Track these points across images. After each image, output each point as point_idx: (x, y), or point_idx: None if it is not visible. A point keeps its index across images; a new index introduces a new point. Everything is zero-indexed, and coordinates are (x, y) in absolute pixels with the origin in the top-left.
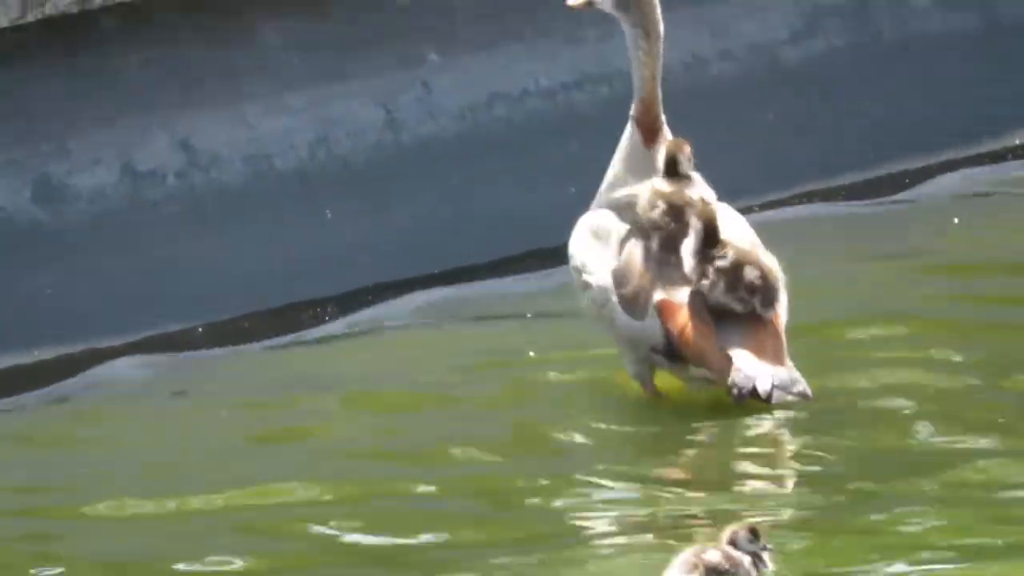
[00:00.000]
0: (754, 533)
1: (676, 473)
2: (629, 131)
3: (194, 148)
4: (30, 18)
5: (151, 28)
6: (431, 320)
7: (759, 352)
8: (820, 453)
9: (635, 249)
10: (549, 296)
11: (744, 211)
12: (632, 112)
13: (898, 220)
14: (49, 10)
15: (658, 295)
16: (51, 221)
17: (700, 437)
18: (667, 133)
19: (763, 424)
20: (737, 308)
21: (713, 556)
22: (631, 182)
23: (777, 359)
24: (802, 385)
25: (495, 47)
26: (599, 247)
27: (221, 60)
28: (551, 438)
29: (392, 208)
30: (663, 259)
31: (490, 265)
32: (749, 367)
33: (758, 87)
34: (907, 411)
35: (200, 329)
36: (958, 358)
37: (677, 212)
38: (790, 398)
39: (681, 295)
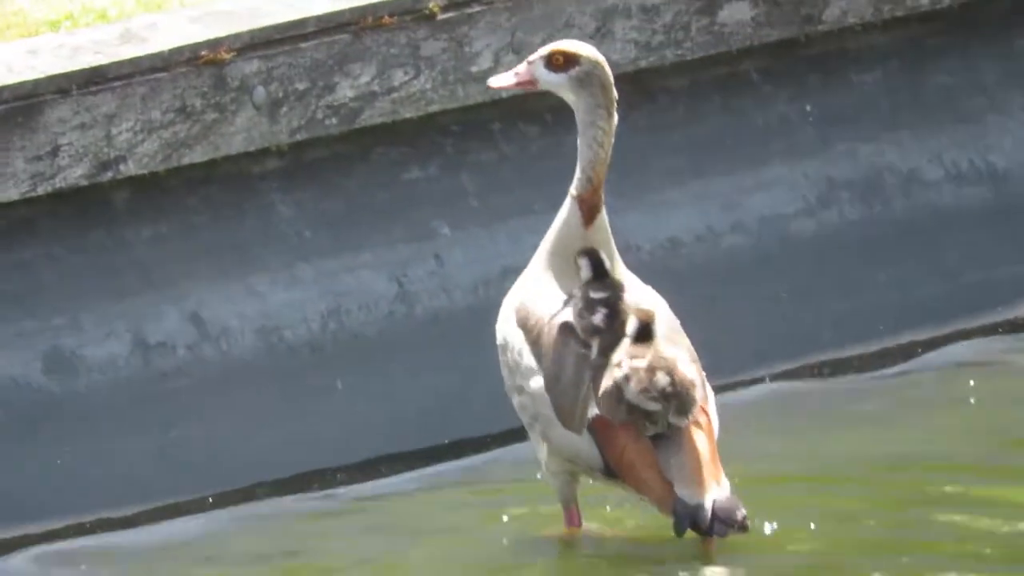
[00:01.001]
0: None
1: None
2: (568, 210)
3: (204, 320)
4: (40, 192)
5: (161, 201)
6: (439, 490)
7: (695, 475)
8: None
9: (569, 354)
10: None
11: (754, 381)
12: (574, 191)
13: (911, 388)
14: (59, 184)
15: (593, 411)
16: (62, 393)
17: None
18: (604, 215)
19: None
20: (651, 408)
21: None
22: (560, 264)
23: (715, 478)
24: (742, 512)
25: (506, 221)
26: (531, 340)
27: (232, 232)
28: None
29: (403, 380)
30: (600, 366)
31: (499, 436)
32: (690, 497)
33: (770, 259)
34: None
35: (210, 499)
36: None
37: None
38: (730, 532)
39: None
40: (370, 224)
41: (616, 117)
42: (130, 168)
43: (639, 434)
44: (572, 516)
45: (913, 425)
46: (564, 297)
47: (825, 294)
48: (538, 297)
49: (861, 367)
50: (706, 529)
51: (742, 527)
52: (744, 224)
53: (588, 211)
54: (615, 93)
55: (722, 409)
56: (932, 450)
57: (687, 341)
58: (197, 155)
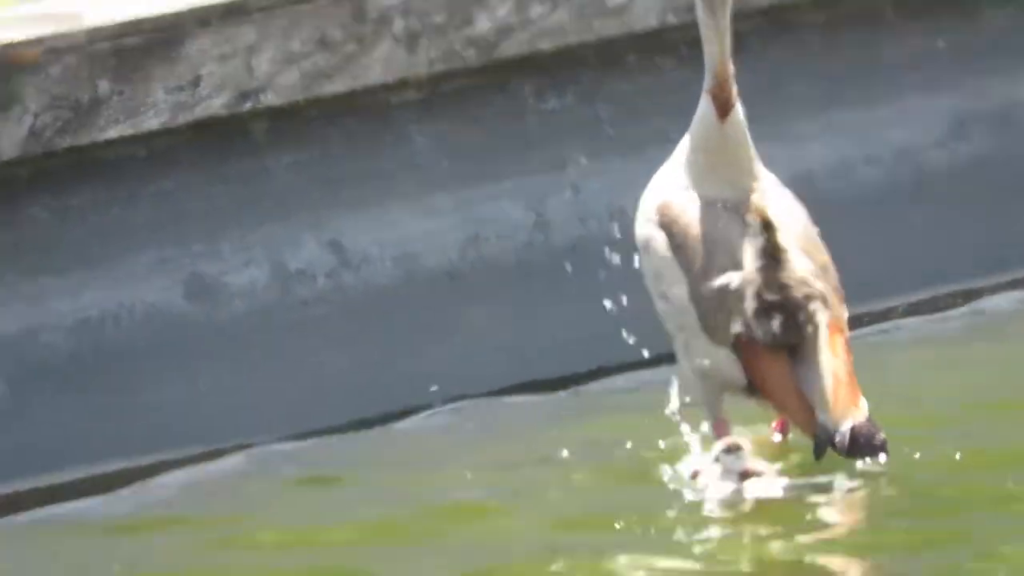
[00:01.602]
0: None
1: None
2: (703, 105)
3: (343, 248)
4: (180, 122)
5: (299, 132)
6: (575, 414)
7: (834, 399)
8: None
9: (716, 266)
10: None
11: (888, 314)
12: (705, 87)
13: None
14: (199, 114)
15: (737, 327)
16: (202, 318)
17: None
18: (740, 110)
19: None
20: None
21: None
22: (701, 158)
23: (853, 402)
24: (881, 436)
25: (641, 150)
26: (675, 245)
27: (370, 162)
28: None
29: (539, 309)
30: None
31: (644, 361)
32: (830, 422)
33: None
34: None
35: (345, 423)
36: None
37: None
38: (870, 456)
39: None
40: (507, 154)
41: (722, 15)
42: (270, 98)
43: (782, 356)
44: (720, 429)
45: None
46: (707, 199)
47: (957, 226)
48: (681, 198)
49: (994, 296)
50: (846, 453)
51: (882, 450)
52: (878, 156)
53: (721, 105)
54: None
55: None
56: None
57: (825, 255)
58: (336, 86)
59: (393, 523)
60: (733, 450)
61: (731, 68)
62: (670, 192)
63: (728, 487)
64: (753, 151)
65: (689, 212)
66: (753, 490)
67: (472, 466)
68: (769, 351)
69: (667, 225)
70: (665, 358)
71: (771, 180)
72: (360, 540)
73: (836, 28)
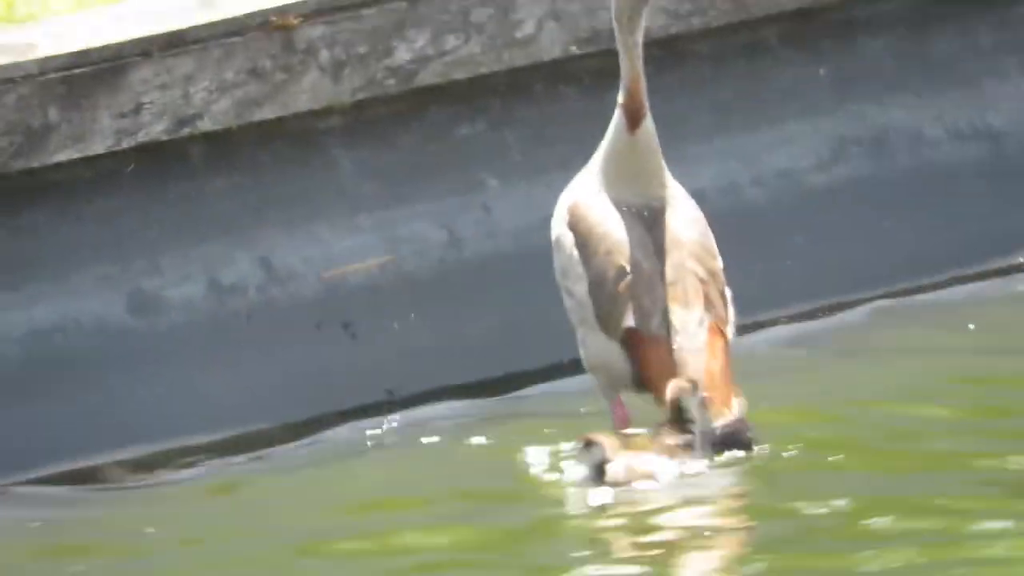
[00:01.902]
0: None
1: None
2: (616, 117)
3: (272, 265)
4: (124, 146)
5: (234, 155)
6: (474, 423)
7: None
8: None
9: (611, 265)
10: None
11: (772, 322)
12: (620, 99)
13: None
14: (141, 138)
15: (629, 321)
16: (144, 331)
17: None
18: (650, 122)
19: None
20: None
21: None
22: (612, 165)
23: (724, 401)
24: (748, 433)
25: (548, 174)
26: (579, 244)
27: (298, 184)
28: None
29: (453, 319)
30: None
31: (542, 371)
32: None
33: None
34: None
35: (275, 429)
36: None
37: None
38: (736, 451)
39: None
40: (424, 177)
41: (634, 36)
42: (206, 124)
43: (664, 349)
44: (617, 411)
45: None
46: (616, 202)
47: (837, 241)
48: (589, 201)
49: (868, 308)
50: (717, 448)
51: (750, 446)
52: (762, 178)
53: (631, 117)
54: (630, 18)
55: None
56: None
57: (716, 261)
58: (267, 112)
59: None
60: (589, 445)
61: (642, 82)
62: (581, 195)
63: (583, 477)
64: (662, 161)
65: (594, 213)
66: (610, 479)
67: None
68: (652, 345)
69: (574, 224)
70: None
71: (678, 190)
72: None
73: (724, 58)
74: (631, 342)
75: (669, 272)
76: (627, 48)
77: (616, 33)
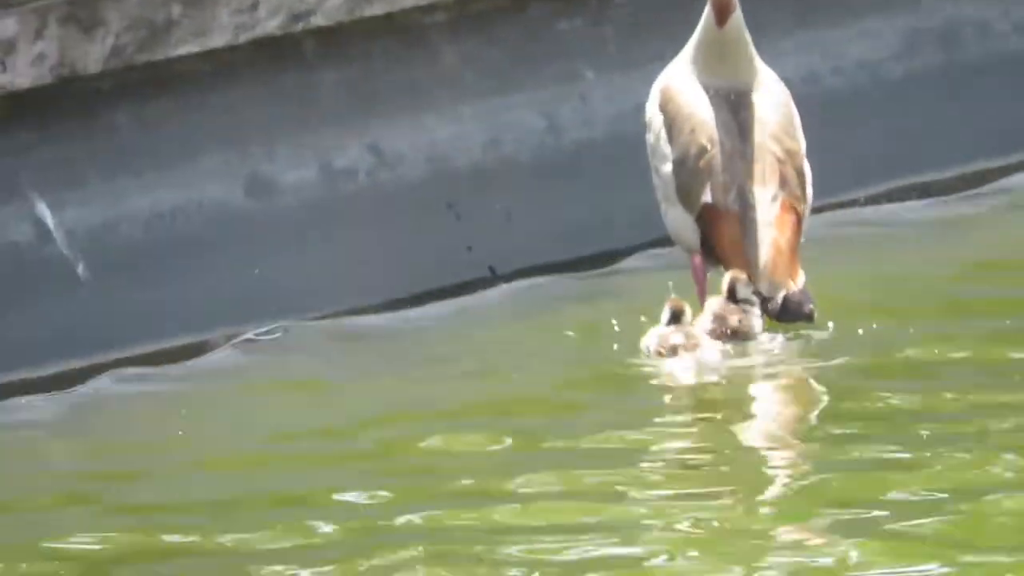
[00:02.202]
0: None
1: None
2: (707, 11)
3: (382, 151)
4: (242, 40)
5: (345, 49)
6: (575, 294)
7: (773, 271)
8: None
9: (694, 144)
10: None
11: (847, 204)
12: None
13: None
14: (258, 33)
15: (706, 197)
16: (260, 212)
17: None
18: (739, 17)
19: None
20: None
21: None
22: (703, 54)
23: (790, 274)
24: (810, 306)
25: (641, 67)
26: (667, 124)
27: (405, 76)
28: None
29: (553, 200)
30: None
31: (632, 249)
32: (766, 289)
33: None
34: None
35: (385, 303)
36: None
37: None
38: (798, 322)
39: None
40: (524, 69)
41: None
42: (319, 19)
43: (734, 225)
44: (696, 267)
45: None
46: (705, 87)
47: (913, 127)
48: (679, 85)
49: (943, 190)
50: (776, 318)
51: (808, 318)
52: (842, 68)
53: (719, 12)
54: None
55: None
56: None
57: (795, 143)
58: (376, 8)
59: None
60: (677, 312)
61: None
62: (674, 79)
63: (671, 344)
64: (751, 50)
65: (683, 96)
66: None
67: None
68: (725, 220)
69: (664, 105)
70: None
71: (768, 75)
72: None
73: None
74: (707, 217)
75: (749, 151)
76: None
77: None
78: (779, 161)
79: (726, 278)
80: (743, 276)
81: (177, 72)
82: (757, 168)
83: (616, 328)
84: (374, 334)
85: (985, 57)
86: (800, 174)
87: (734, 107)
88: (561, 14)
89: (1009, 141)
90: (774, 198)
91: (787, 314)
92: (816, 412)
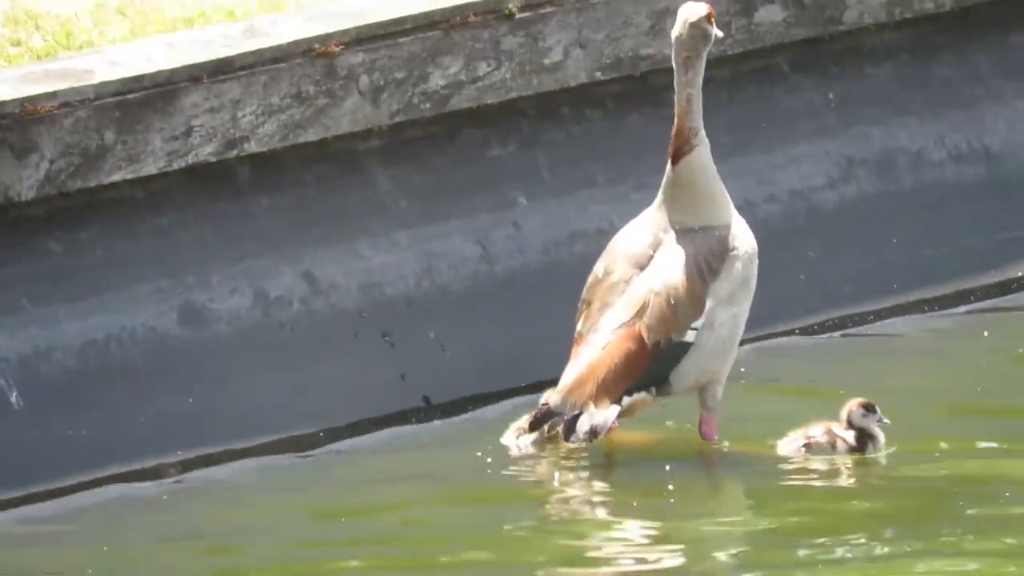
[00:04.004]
0: (868, 408)
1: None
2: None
3: (315, 278)
4: (175, 167)
5: (279, 176)
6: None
7: (578, 381)
8: None
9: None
10: None
11: (784, 334)
12: None
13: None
14: (191, 160)
15: (578, 320)
16: (193, 341)
17: None
18: (696, 160)
19: None
20: None
21: (815, 431)
22: (664, 195)
23: (593, 393)
24: (585, 431)
25: (573, 192)
26: None
27: (339, 202)
28: None
29: (486, 329)
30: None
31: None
32: (552, 401)
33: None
34: None
35: (321, 433)
36: None
37: None
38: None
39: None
40: (457, 195)
41: (687, 75)
42: (252, 147)
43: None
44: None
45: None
46: (650, 221)
47: (845, 256)
48: (630, 222)
49: (877, 319)
50: (564, 436)
51: (587, 438)
52: (776, 196)
53: (672, 153)
54: (687, 58)
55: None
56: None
57: (689, 280)
58: (310, 135)
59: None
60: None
61: (685, 123)
62: (633, 221)
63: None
64: (710, 194)
65: (622, 230)
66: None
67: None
68: (576, 343)
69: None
70: None
71: (732, 221)
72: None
73: (739, 83)
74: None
75: (631, 283)
76: (679, 86)
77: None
78: (653, 292)
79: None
80: (856, 405)
81: (111, 198)
82: (625, 296)
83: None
84: (305, 463)
85: (919, 185)
86: (676, 307)
87: (658, 243)
88: (493, 140)
89: (943, 271)
90: (621, 325)
91: (569, 432)
92: None
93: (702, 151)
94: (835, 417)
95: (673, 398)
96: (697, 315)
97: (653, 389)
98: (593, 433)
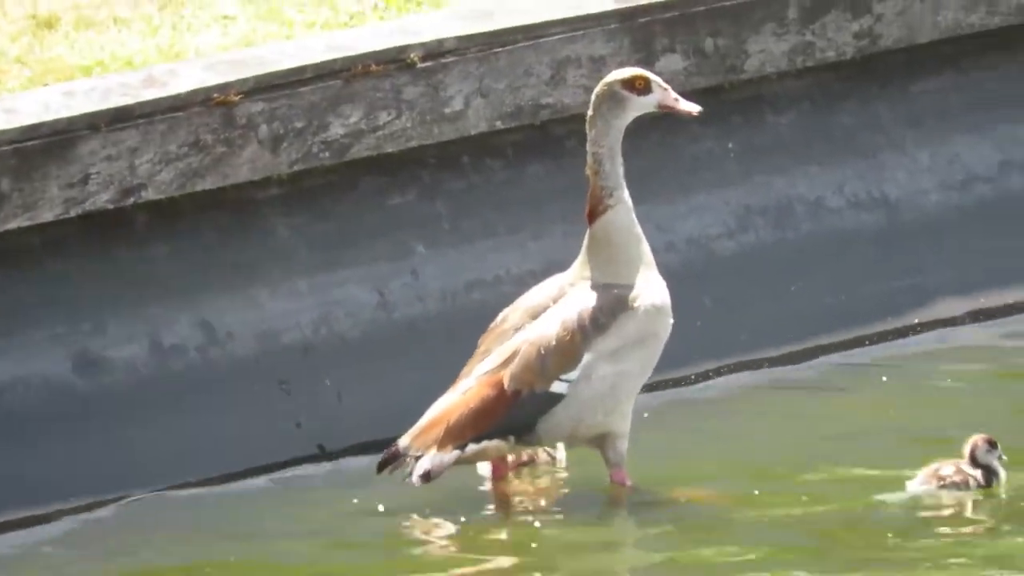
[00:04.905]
0: (991, 444)
1: None
2: None
3: (212, 326)
4: (72, 214)
5: (177, 223)
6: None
7: (427, 426)
8: None
9: None
10: None
11: (681, 381)
12: None
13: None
14: (88, 207)
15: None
16: (88, 389)
17: None
18: (611, 218)
19: None
20: None
21: (947, 470)
22: (581, 252)
23: (426, 439)
24: (416, 475)
25: (473, 241)
26: None
27: (237, 250)
28: None
29: (382, 376)
30: None
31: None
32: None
33: (696, 275)
34: None
35: (216, 480)
36: None
37: None
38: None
39: None
40: (357, 243)
41: (591, 134)
42: (150, 194)
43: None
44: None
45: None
46: (565, 277)
47: (742, 303)
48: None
49: (772, 366)
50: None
51: (419, 481)
52: (675, 244)
53: (588, 212)
54: (595, 128)
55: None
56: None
57: (565, 330)
58: (208, 183)
59: None
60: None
61: (597, 183)
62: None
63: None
64: (626, 256)
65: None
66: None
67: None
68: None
69: None
70: None
71: (649, 282)
72: None
73: (640, 132)
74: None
75: (518, 333)
76: (588, 145)
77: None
78: (528, 342)
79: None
80: (980, 441)
81: (7, 245)
82: (501, 344)
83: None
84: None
85: (817, 232)
86: (545, 357)
87: (560, 296)
88: (394, 189)
89: (842, 318)
90: (485, 372)
91: (407, 473)
92: None
93: (619, 211)
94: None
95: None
96: (569, 367)
97: (511, 437)
98: (426, 476)
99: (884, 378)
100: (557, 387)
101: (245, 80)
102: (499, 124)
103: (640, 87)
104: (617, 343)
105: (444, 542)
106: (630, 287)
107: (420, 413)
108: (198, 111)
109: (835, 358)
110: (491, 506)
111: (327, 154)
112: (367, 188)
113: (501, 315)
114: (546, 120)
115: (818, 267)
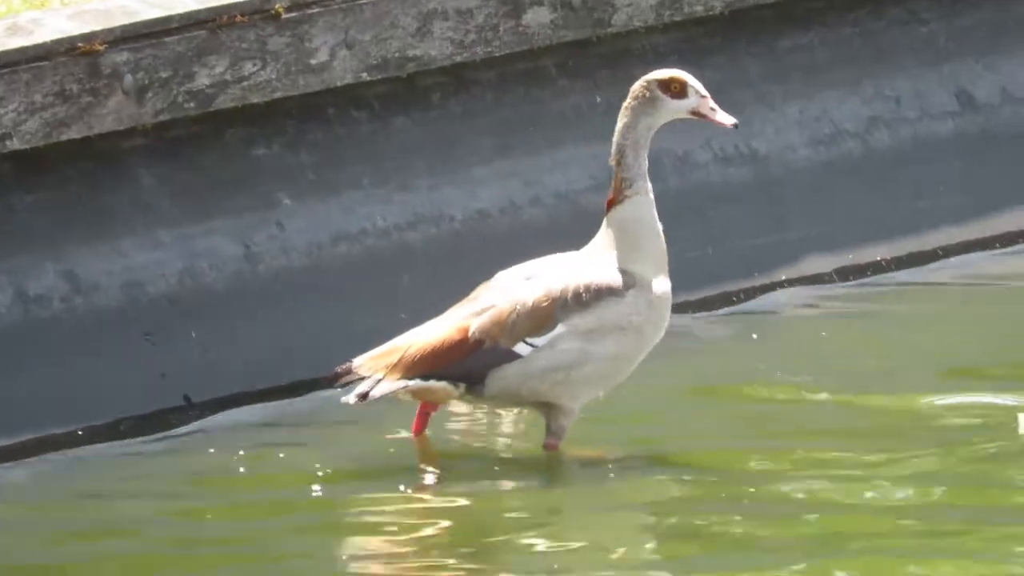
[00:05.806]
0: None
1: None
2: None
3: (77, 276)
4: None
5: (42, 173)
6: (276, 427)
7: (382, 351)
8: None
9: None
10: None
11: None
12: None
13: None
14: None
15: None
16: None
17: None
18: (625, 210)
19: None
20: None
21: None
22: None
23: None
24: (355, 396)
25: (339, 193)
26: None
27: (103, 200)
28: None
29: (247, 329)
30: None
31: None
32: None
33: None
34: None
35: (80, 432)
36: None
37: None
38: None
39: None
40: (222, 195)
41: (620, 123)
42: (15, 143)
43: None
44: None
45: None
46: (562, 256)
47: None
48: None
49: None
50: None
51: (356, 399)
52: (541, 198)
53: (608, 200)
54: (621, 121)
55: None
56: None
57: (537, 297)
58: (74, 133)
59: None
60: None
61: (619, 173)
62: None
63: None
64: (629, 244)
65: None
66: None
67: None
68: None
69: None
70: None
71: (632, 266)
72: None
73: (506, 86)
74: None
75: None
76: (616, 143)
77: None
78: (507, 299)
79: None
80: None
81: None
82: (486, 297)
83: (280, 455)
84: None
85: (684, 187)
86: (517, 316)
87: (559, 264)
88: (259, 140)
89: (708, 273)
90: (458, 318)
91: (361, 399)
92: None
93: (635, 203)
94: None
95: None
96: (537, 333)
97: (463, 386)
98: (363, 396)
99: (753, 335)
100: (520, 348)
101: (111, 30)
102: (365, 76)
103: (676, 91)
104: (594, 324)
105: (303, 488)
106: (630, 276)
107: (284, 365)
108: (63, 61)
109: (702, 314)
110: (351, 459)
111: (192, 104)
112: (232, 139)
113: (502, 271)
114: (412, 72)
115: (685, 222)
